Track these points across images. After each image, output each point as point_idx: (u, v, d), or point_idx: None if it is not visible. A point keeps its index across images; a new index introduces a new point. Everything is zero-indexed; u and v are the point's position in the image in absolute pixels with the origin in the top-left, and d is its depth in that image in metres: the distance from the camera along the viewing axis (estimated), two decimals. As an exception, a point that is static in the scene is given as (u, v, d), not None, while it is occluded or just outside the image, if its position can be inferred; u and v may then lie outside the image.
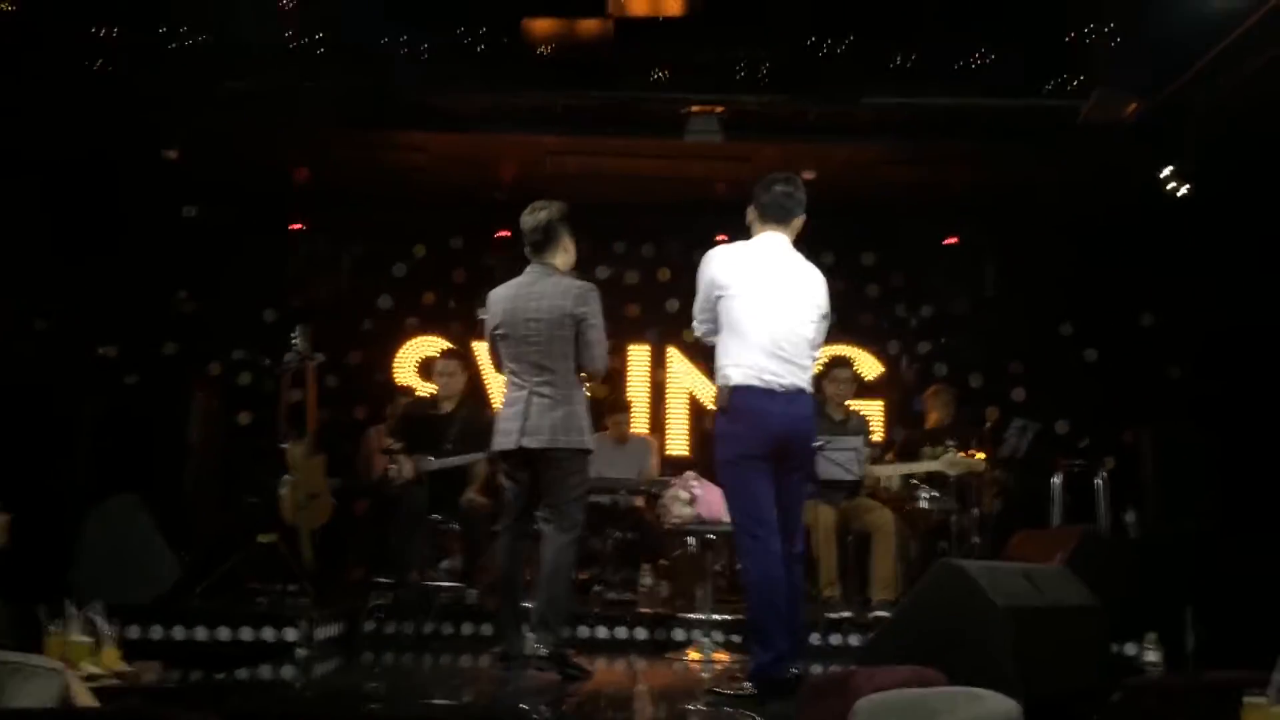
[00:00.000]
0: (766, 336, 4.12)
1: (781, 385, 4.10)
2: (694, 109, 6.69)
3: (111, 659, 3.99)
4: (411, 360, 8.38)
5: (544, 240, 4.71)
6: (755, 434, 4.07)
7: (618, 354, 8.46)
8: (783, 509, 4.08)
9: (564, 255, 4.77)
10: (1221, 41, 5.94)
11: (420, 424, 6.51)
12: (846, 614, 5.78)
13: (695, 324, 4.41)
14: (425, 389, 7.87)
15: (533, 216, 4.73)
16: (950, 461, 6.31)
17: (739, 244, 4.35)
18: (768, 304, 4.16)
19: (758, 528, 4.01)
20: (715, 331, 4.29)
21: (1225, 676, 3.27)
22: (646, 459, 7.35)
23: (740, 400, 4.09)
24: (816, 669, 4.99)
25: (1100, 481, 7.16)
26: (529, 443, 4.53)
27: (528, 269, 4.76)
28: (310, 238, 8.28)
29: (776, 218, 4.29)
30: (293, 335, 6.35)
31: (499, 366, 4.81)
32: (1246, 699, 2.85)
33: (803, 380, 4.19)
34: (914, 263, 8.65)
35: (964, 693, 2.48)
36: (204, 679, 4.47)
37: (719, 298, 4.20)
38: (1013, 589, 3.42)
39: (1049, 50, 6.54)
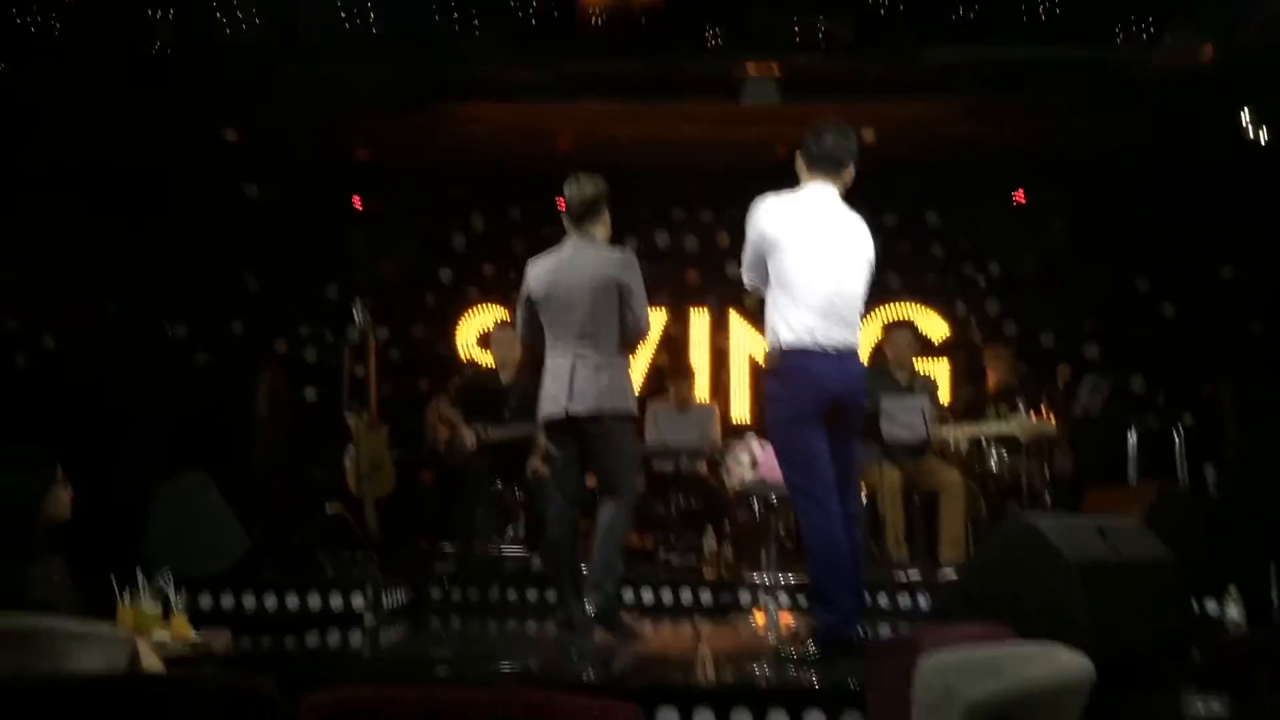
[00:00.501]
0: (819, 294, 4.02)
1: (834, 345, 4.01)
2: (750, 72, 6.58)
3: (181, 627, 4.03)
4: (473, 331, 8.42)
5: (587, 213, 4.72)
6: (808, 395, 3.99)
7: (679, 320, 8.42)
8: (838, 470, 4.00)
9: (603, 228, 4.78)
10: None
11: (480, 394, 6.53)
12: (914, 575, 5.68)
13: (745, 276, 4.33)
14: (487, 360, 7.89)
15: (579, 189, 4.72)
16: (1021, 425, 6.17)
17: (788, 195, 4.23)
18: (819, 260, 4.06)
19: (816, 488, 3.94)
20: (764, 283, 4.20)
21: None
22: (709, 424, 7.30)
23: (791, 361, 4.01)
24: (884, 630, 4.93)
25: (1178, 437, 6.96)
26: (575, 409, 4.54)
27: (567, 240, 4.76)
28: (371, 214, 8.32)
29: (826, 169, 4.18)
30: (354, 309, 6.40)
31: (532, 336, 4.81)
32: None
33: (854, 339, 4.11)
34: (981, 221, 8.46)
35: (1035, 649, 2.39)
36: (273, 646, 4.52)
37: (769, 252, 4.11)
38: (1086, 545, 3.32)
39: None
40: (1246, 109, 6.62)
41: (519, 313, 4.86)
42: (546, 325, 4.69)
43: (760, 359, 8.36)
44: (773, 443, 4.26)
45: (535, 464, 6.48)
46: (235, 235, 8.01)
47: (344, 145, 7.59)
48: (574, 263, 4.66)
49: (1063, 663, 2.35)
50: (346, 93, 6.56)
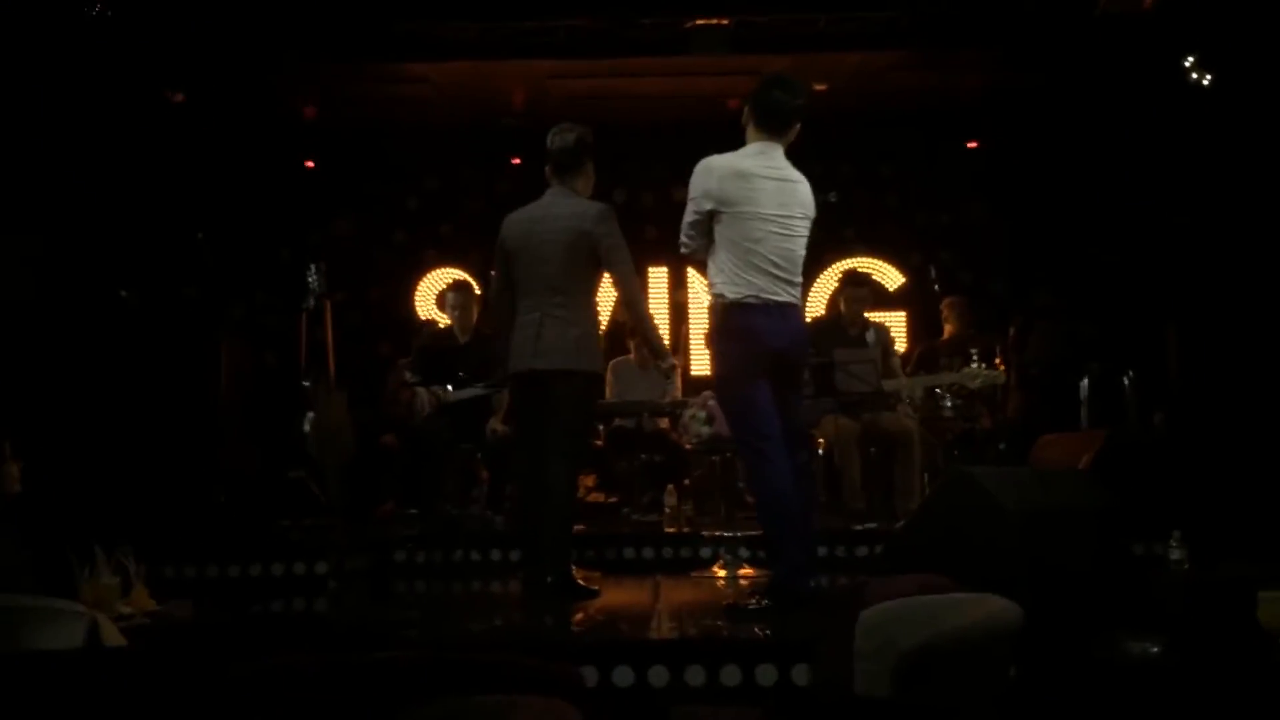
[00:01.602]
0: (763, 254, 4.08)
1: (777, 301, 4.07)
2: (698, 22, 6.56)
3: (142, 599, 4.06)
4: (430, 293, 8.40)
5: (570, 163, 4.65)
6: (753, 351, 4.06)
7: (637, 276, 8.43)
8: (785, 423, 4.07)
9: (585, 180, 4.71)
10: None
11: (437, 356, 6.54)
12: (871, 526, 5.79)
13: (683, 240, 4.29)
14: (445, 321, 7.89)
15: (560, 138, 4.65)
16: (971, 374, 6.27)
17: (732, 155, 4.24)
18: (765, 220, 4.10)
19: (762, 442, 4.01)
20: (704, 248, 4.23)
21: (1241, 571, 3.26)
22: (669, 380, 7.34)
23: (737, 318, 4.07)
24: (843, 581, 5.02)
25: (1127, 383, 7.09)
26: (540, 364, 4.50)
27: (548, 191, 4.70)
28: (323, 176, 8.26)
29: (772, 127, 4.20)
30: (309, 274, 6.36)
31: (504, 290, 4.74)
32: (1262, 594, 2.84)
33: (795, 295, 4.17)
34: (933, 171, 8.51)
35: (968, 598, 2.48)
36: (236, 615, 4.55)
37: (713, 212, 4.13)
38: (1024, 493, 3.41)
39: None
40: (1190, 57, 6.69)
41: (495, 265, 4.81)
42: (519, 279, 4.63)
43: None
44: (719, 398, 4.32)
45: (495, 424, 6.53)
46: (185, 198, 7.92)
47: (291, 104, 7.51)
48: (548, 214, 4.59)
49: (993, 609, 2.45)
50: (291, 47, 6.48)
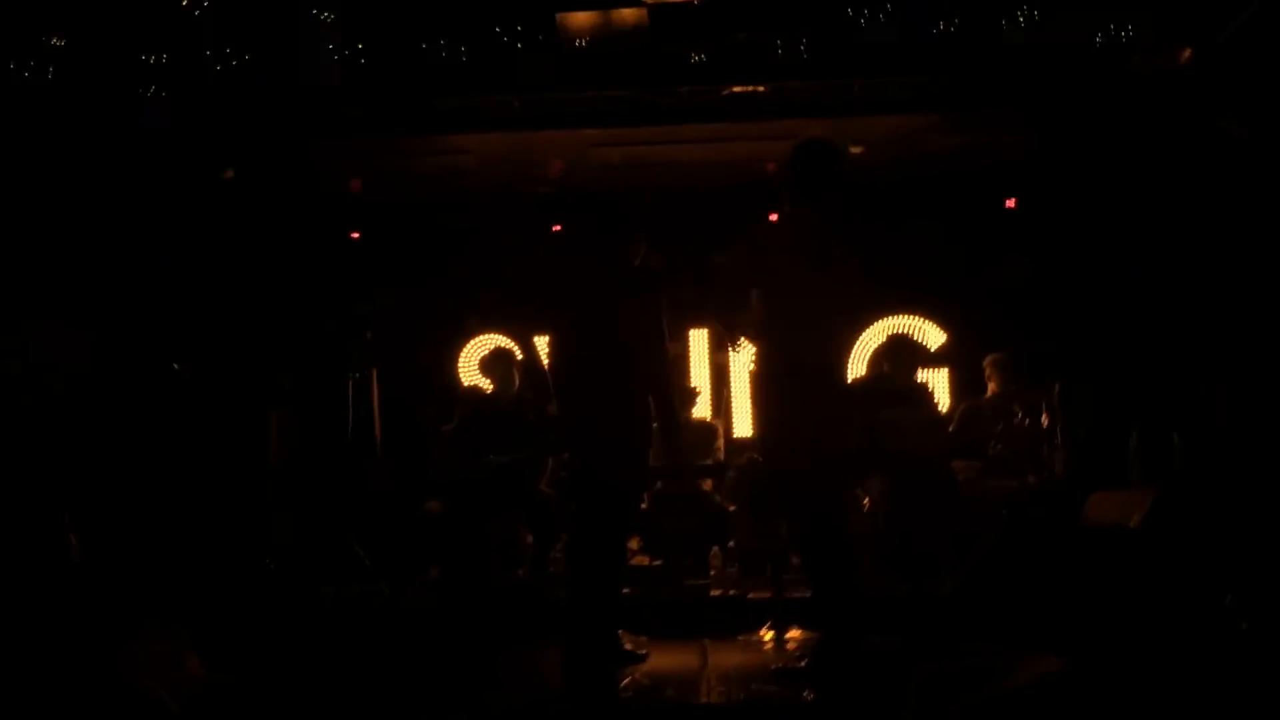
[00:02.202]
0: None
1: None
2: (735, 89, 6.67)
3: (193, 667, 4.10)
4: (474, 359, 8.49)
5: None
6: None
7: (678, 339, 8.48)
8: None
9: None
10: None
11: (483, 422, 6.60)
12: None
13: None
14: (487, 385, 7.96)
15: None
16: None
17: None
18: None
19: None
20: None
21: None
22: (712, 443, 7.36)
23: None
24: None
25: (1176, 440, 6.98)
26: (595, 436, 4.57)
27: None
28: (367, 246, 8.41)
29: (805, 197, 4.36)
30: (355, 344, 6.47)
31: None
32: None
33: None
34: (973, 229, 8.51)
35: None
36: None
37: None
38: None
39: (1095, 2, 6.40)
40: (1231, 113, 6.69)
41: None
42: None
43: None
44: None
45: (542, 487, 6.56)
46: (235, 272, 8.08)
47: (337, 178, 7.69)
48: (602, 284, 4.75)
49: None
50: (337, 124, 6.66)
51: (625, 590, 5.53)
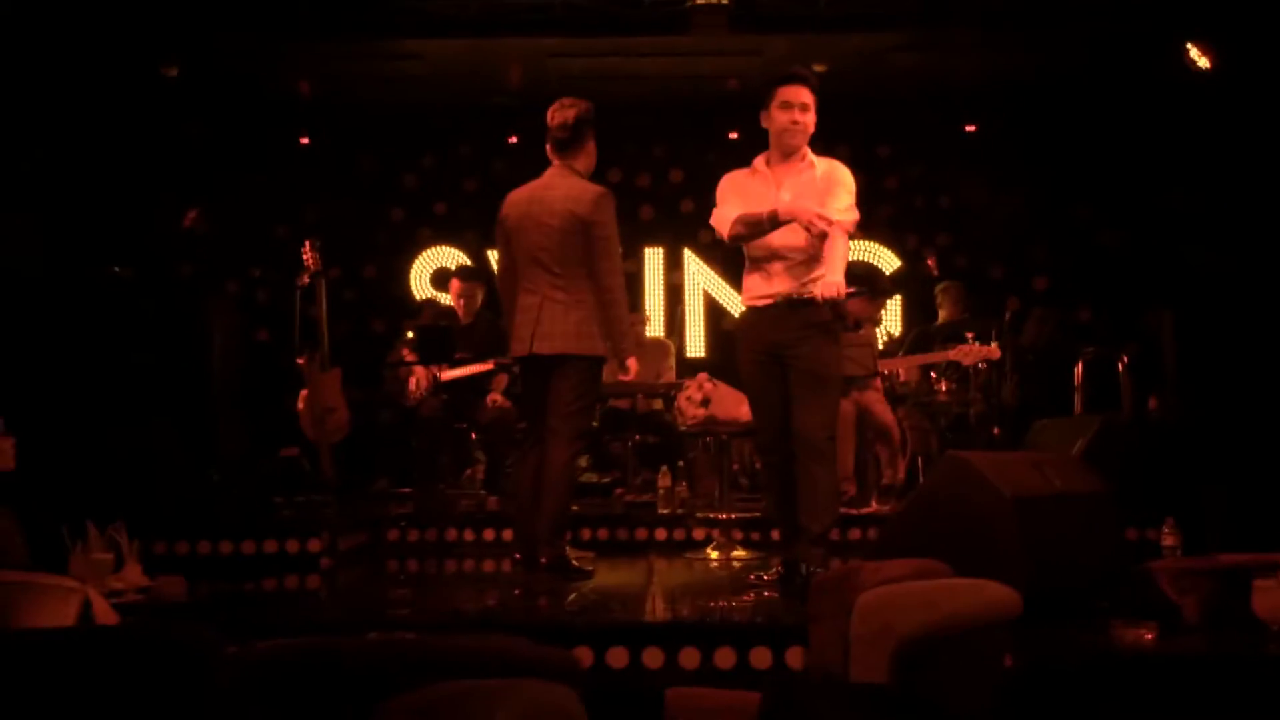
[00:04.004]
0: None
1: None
2: (698, 1, 6.52)
3: (134, 575, 4.07)
4: (426, 271, 8.37)
5: (569, 139, 4.57)
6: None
7: (633, 257, 8.42)
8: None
9: (586, 158, 4.64)
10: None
11: (436, 336, 6.51)
12: (872, 509, 5.80)
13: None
14: (443, 299, 7.87)
15: (560, 113, 4.57)
16: (964, 351, 6.26)
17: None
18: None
19: None
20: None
21: (1236, 560, 3.26)
22: (664, 361, 7.34)
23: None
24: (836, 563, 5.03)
25: (1122, 368, 7.09)
26: (540, 348, 4.47)
27: (548, 170, 4.64)
28: (319, 152, 8.21)
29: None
30: (302, 250, 6.33)
31: (507, 270, 4.71)
32: (1257, 583, 2.83)
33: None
34: (931, 153, 8.48)
35: (965, 584, 2.47)
36: (228, 592, 4.54)
37: None
38: (1020, 479, 3.41)
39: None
40: (1190, 41, 6.67)
41: (498, 244, 4.78)
42: (519, 259, 4.58)
43: (715, 296, 8.46)
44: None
45: (495, 397, 6.52)
46: (178, 174, 7.87)
47: (286, 80, 7.46)
48: (546, 194, 4.53)
49: (991, 595, 2.44)
50: (286, 22, 6.43)
51: (573, 506, 5.55)
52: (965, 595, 2.41)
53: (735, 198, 4.27)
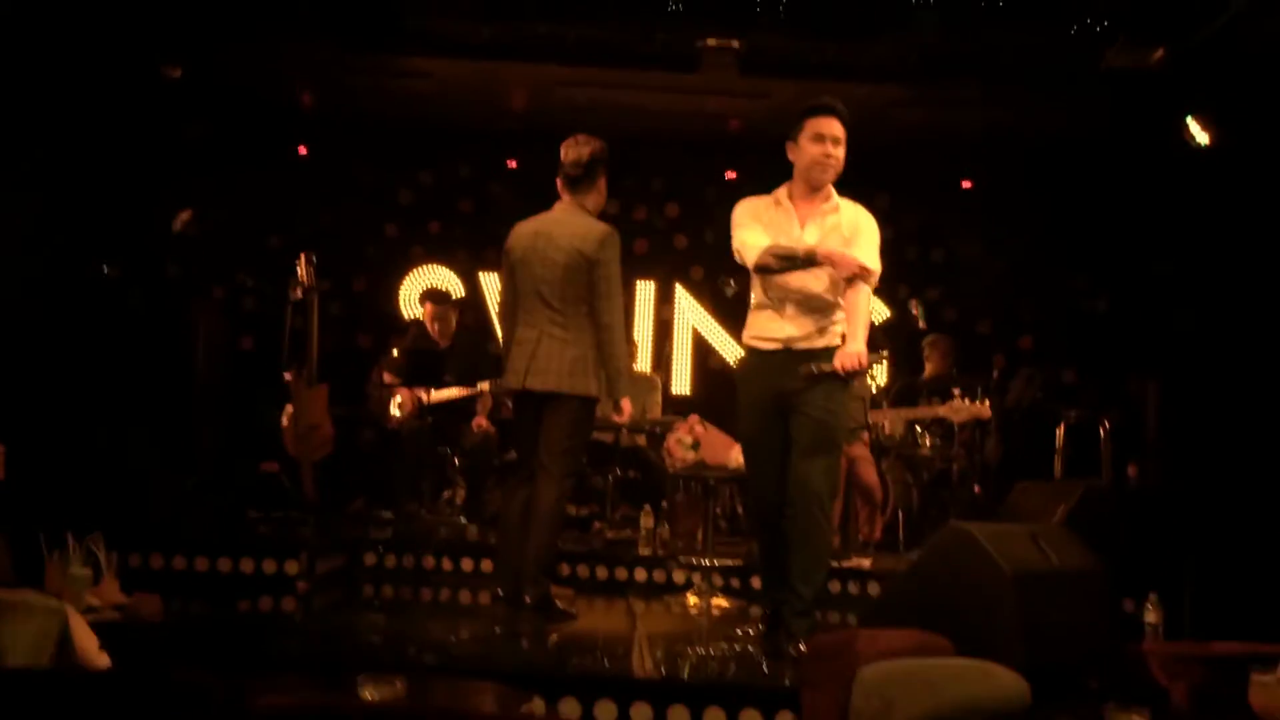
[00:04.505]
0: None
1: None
2: (710, 43, 6.53)
3: (111, 591, 3.99)
4: (416, 289, 8.32)
5: (581, 176, 4.58)
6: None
7: (624, 290, 8.33)
8: None
9: (596, 196, 4.65)
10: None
11: (426, 359, 6.47)
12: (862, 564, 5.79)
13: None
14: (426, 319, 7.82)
15: (575, 150, 4.59)
16: (954, 408, 6.27)
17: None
18: None
19: None
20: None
21: (1230, 649, 3.26)
22: (650, 397, 7.31)
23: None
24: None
25: (1103, 432, 7.12)
26: (533, 384, 4.46)
27: (557, 204, 4.65)
28: (317, 164, 8.15)
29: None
30: (297, 262, 6.27)
31: (510, 301, 4.68)
32: (1255, 676, 2.83)
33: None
34: (927, 206, 8.52)
35: (973, 666, 2.45)
36: (205, 614, 4.46)
37: None
38: (1020, 554, 3.39)
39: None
40: (1191, 116, 6.77)
41: (502, 273, 4.75)
42: (521, 291, 4.58)
43: (704, 333, 8.45)
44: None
45: (480, 421, 6.47)
46: (175, 176, 7.79)
47: (290, 88, 7.41)
48: (554, 230, 4.53)
49: (1000, 683, 2.42)
50: (298, 31, 6.39)
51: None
52: (973, 683, 2.39)
53: (758, 225, 4.07)
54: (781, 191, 4.16)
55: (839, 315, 4.07)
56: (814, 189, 4.08)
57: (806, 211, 4.10)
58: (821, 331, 4.04)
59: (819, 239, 4.02)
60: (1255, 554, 5.12)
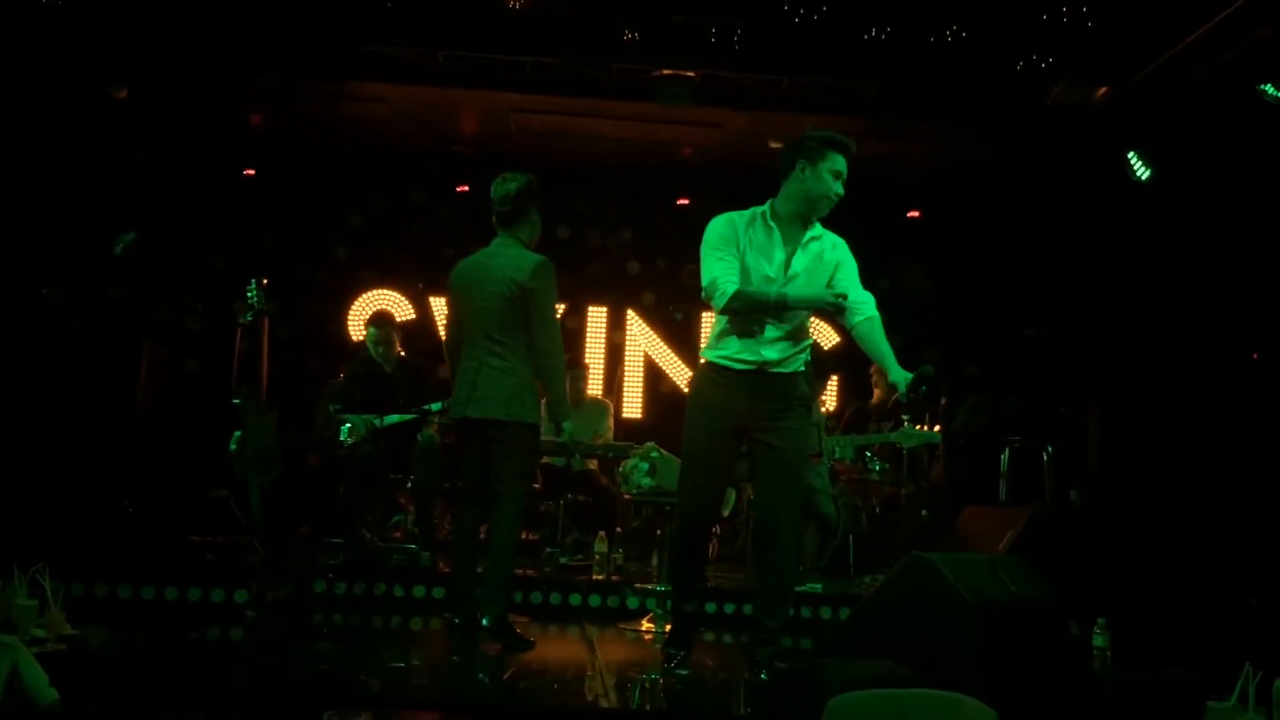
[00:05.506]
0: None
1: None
2: (665, 73, 6.59)
3: (58, 623, 3.88)
4: (364, 313, 8.23)
5: (511, 212, 4.69)
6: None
7: (576, 314, 8.40)
8: None
9: (529, 228, 4.74)
10: (1194, 31, 5.96)
11: (366, 385, 6.42)
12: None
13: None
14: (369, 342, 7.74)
15: (502, 187, 4.69)
16: (905, 434, 6.35)
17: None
18: None
19: None
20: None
21: (1185, 676, 3.33)
22: (602, 421, 7.31)
23: None
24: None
25: (1046, 459, 7.25)
26: (473, 412, 4.56)
27: (495, 239, 4.75)
28: (266, 185, 8.05)
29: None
30: (248, 286, 6.17)
31: (453, 335, 4.80)
32: (1210, 704, 2.89)
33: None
34: (874, 236, 8.60)
35: (944, 697, 2.47)
36: (152, 645, 4.36)
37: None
38: (980, 583, 3.44)
39: (1021, 30, 6.52)
40: (1133, 152, 6.95)
41: (448, 308, 4.86)
42: (463, 324, 4.69)
43: (656, 358, 8.47)
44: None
45: (431, 433, 6.42)
46: (119, 197, 7.65)
47: (238, 109, 7.33)
48: (490, 264, 4.65)
49: (970, 713, 2.44)
50: (250, 53, 6.34)
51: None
52: (944, 713, 2.41)
53: (732, 252, 3.94)
54: (765, 210, 4.05)
55: (808, 340, 4.10)
56: (806, 218, 4.04)
57: (790, 236, 4.02)
58: (797, 355, 4.05)
59: (805, 266, 4.01)
60: (1194, 577, 5.24)
